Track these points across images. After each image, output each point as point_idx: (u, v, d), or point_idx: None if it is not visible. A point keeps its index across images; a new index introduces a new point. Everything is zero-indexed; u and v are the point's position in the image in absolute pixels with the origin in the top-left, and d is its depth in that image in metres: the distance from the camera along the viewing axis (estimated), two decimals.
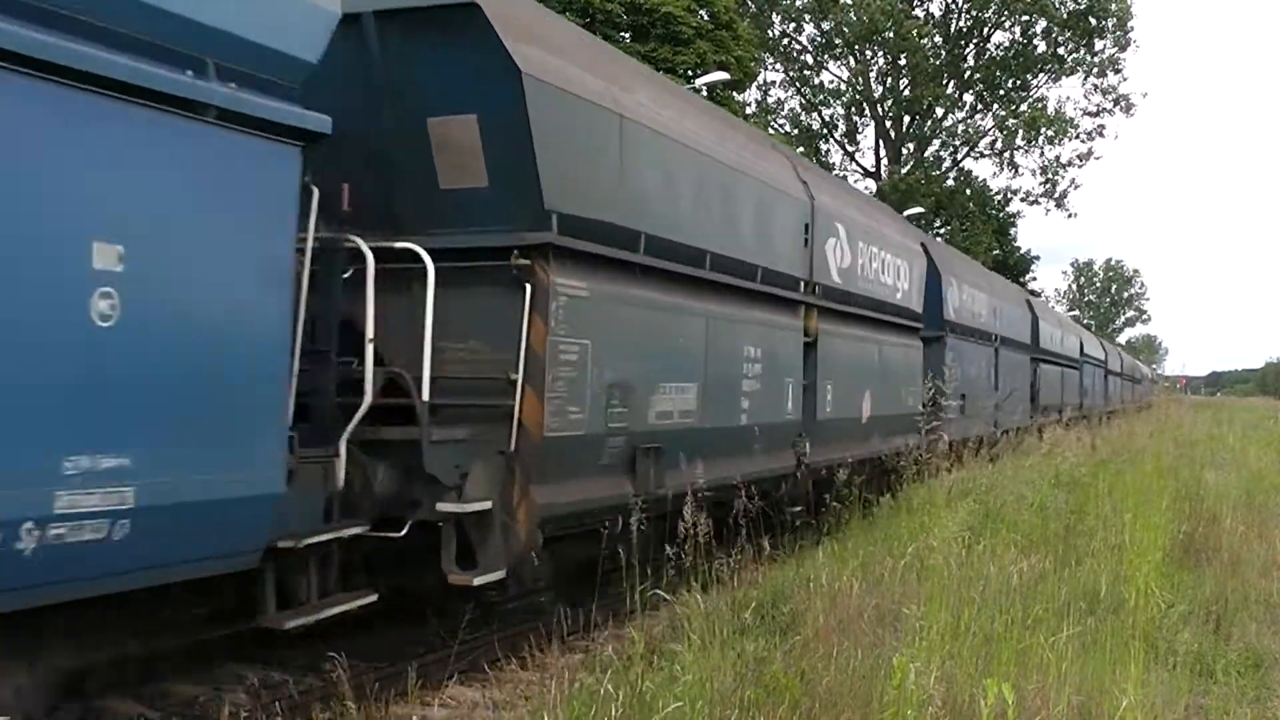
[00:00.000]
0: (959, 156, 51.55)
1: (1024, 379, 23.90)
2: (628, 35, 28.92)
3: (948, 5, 49.39)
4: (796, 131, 51.19)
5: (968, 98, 50.69)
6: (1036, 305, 27.86)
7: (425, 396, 6.10)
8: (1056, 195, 51.50)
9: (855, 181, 49.13)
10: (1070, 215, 69.60)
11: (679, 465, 7.79)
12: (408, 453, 6.14)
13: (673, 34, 28.59)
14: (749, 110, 43.86)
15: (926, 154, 51.14)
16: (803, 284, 10.72)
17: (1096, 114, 51.23)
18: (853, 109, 51.74)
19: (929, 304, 15.71)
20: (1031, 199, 52.50)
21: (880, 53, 49.44)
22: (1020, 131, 49.42)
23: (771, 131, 43.04)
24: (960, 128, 51.20)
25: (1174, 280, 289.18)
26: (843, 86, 51.04)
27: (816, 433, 10.83)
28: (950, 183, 50.56)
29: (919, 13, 48.66)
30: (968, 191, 50.80)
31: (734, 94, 33.40)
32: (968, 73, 49.90)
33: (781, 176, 10.59)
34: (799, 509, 8.93)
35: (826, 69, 51.20)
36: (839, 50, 49.88)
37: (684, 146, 8.40)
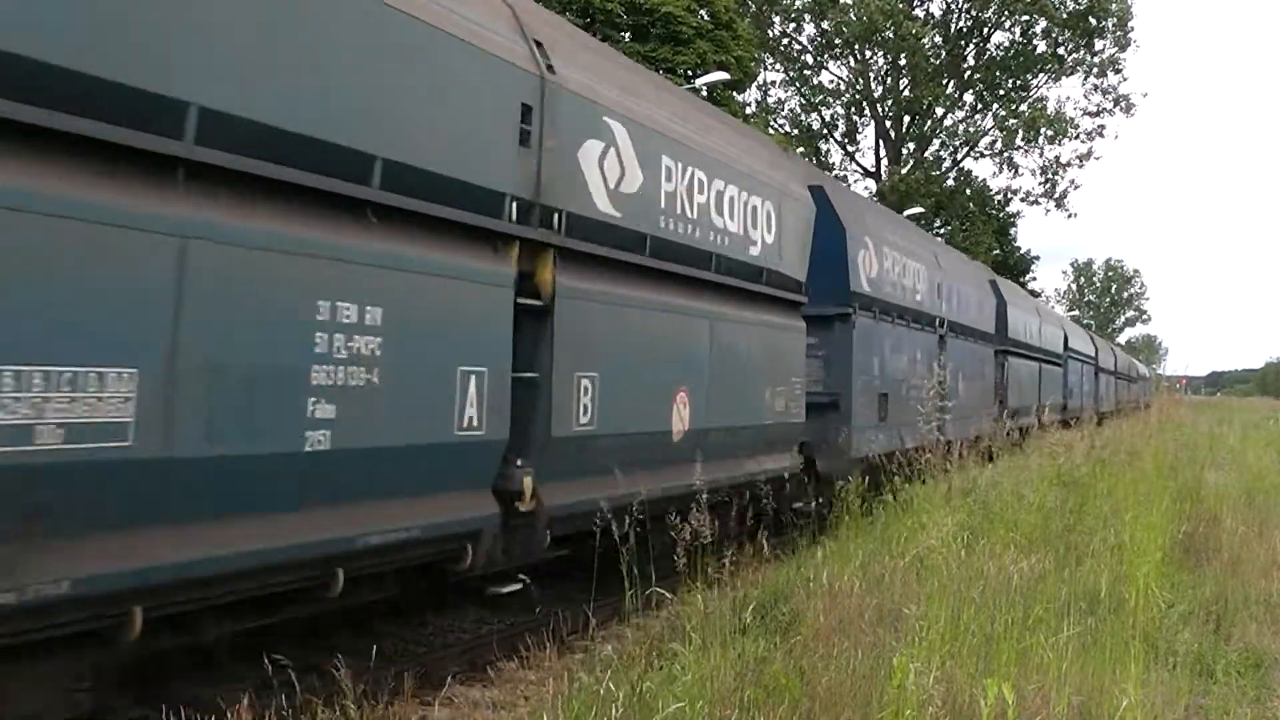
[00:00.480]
0: (959, 156, 51.63)
1: (986, 376, 20.11)
2: (628, 35, 28.92)
3: (948, 5, 49.46)
4: (796, 131, 51.20)
5: (968, 98, 50.73)
6: (1005, 287, 23.51)
7: None
8: (1056, 195, 51.57)
9: (854, 182, 49.22)
10: (1070, 215, 69.70)
11: (65, 543, 3.94)
12: None
13: (673, 34, 28.60)
14: (749, 110, 43.86)
15: (926, 154, 51.15)
16: (515, 206, 6.35)
17: (1096, 114, 51.43)
18: (852, 109, 51.77)
19: (828, 270, 11.75)
20: (1031, 199, 52.59)
21: (880, 53, 49.46)
22: (1020, 131, 49.44)
23: (771, 131, 43.05)
24: (960, 128, 51.26)
25: (1174, 280, 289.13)
26: (842, 86, 51.08)
27: (557, 459, 6.71)
28: (950, 183, 50.58)
29: (919, 12, 48.68)
30: (968, 191, 50.82)
31: (734, 94, 33.41)
32: (968, 73, 49.89)
33: (462, 15, 6.02)
34: (510, 588, 5.89)
35: (826, 69, 51.27)
36: (838, 50, 49.89)
37: None
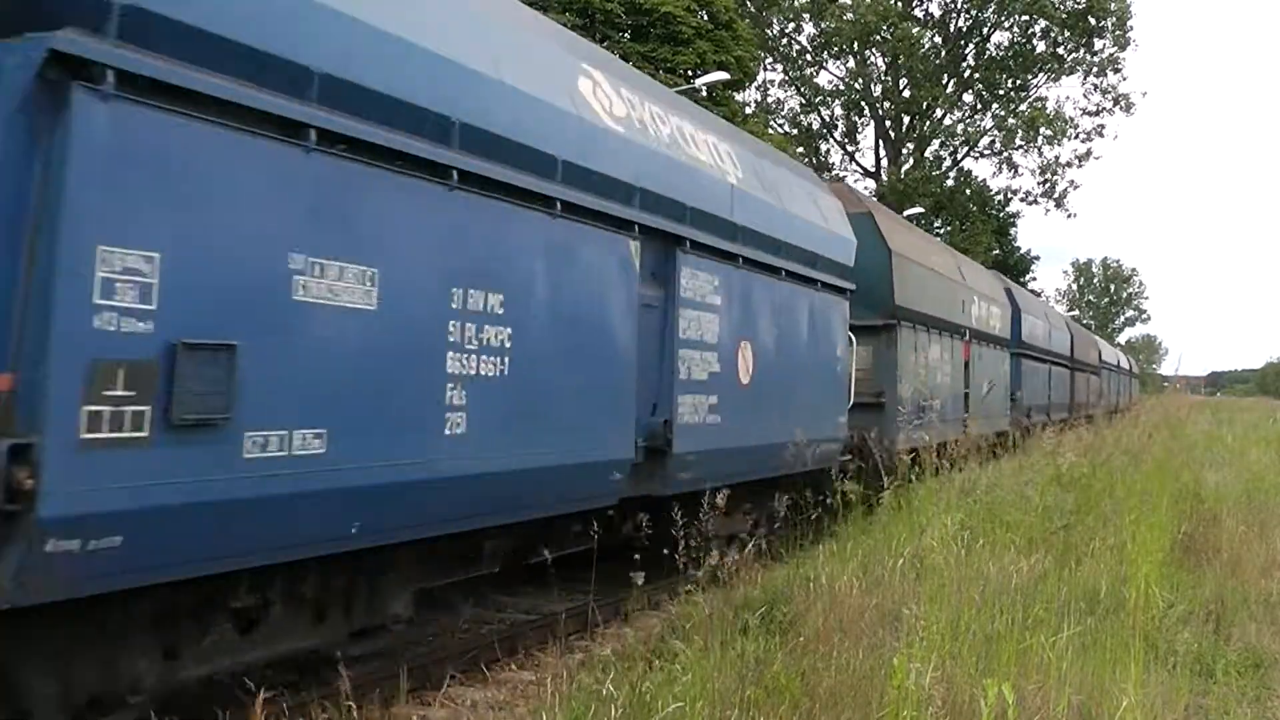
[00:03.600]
0: (959, 156, 51.63)
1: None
2: (627, 35, 28.91)
3: (946, 5, 49.45)
4: (796, 131, 51.19)
5: (967, 98, 50.72)
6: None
7: None
8: (1056, 195, 51.56)
9: (855, 182, 49.18)
10: (1070, 215, 69.76)
11: None
12: None
13: (672, 34, 28.59)
14: (749, 110, 43.85)
15: (926, 154, 51.14)
16: None
17: (1096, 113, 51.32)
18: (851, 109, 51.75)
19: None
20: (1031, 199, 52.58)
21: (878, 53, 49.48)
22: (1020, 131, 49.43)
23: (771, 131, 43.07)
24: (960, 128, 51.24)
25: (1174, 280, 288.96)
26: (841, 87, 51.06)
27: None
28: (950, 183, 50.57)
29: (918, 13, 48.71)
30: (968, 191, 50.81)
31: (734, 94, 33.39)
32: (967, 72, 49.90)
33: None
34: None
35: (825, 69, 51.27)
36: (837, 50, 49.88)
37: None
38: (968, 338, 18.49)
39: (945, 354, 16.95)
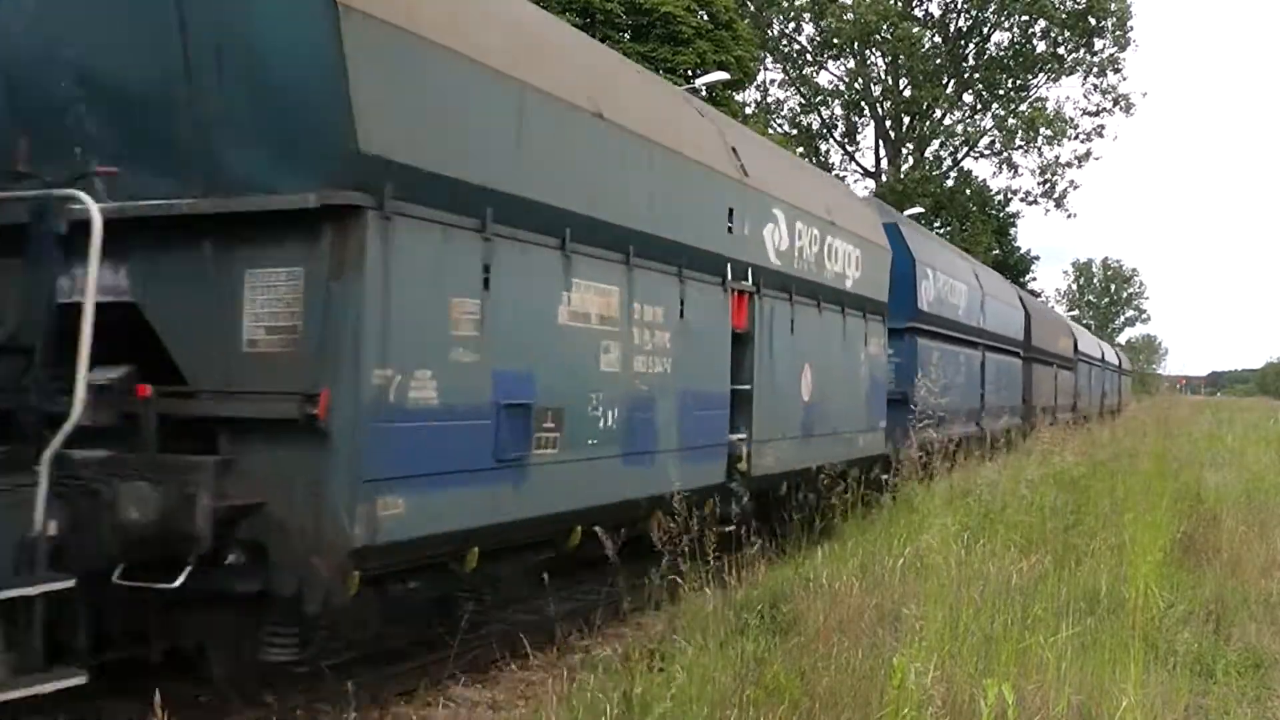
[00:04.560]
0: (959, 156, 51.62)
1: None
2: (627, 35, 28.92)
3: (946, 5, 49.46)
4: (796, 131, 51.19)
5: (967, 98, 50.71)
6: None
7: None
8: (1056, 196, 51.57)
9: (854, 182, 49.20)
10: (1070, 215, 69.69)
11: None
12: None
13: (673, 34, 28.59)
14: (749, 110, 43.86)
15: (926, 154, 51.14)
16: None
17: (1096, 114, 51.29)
18: (851, 110, 51.75)
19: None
20: (1031, 199, 52.57)
21: (879, 53, 49.51)
22: (1020, 132, 49.44)
23: (771, 131, 43.08)
24: (960, 128, 51.24)
25: (1174, 280, 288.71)
26: (841, 87, 51.08)
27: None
28: (950, 183, 50.56)
29: (918, 12, 48.72)
30: (968, 191, 50.80)
31: (734, 94, 33.39)
32: (967, 73, 49.91)
33: None
34: None
35: (825, 69, 51.28)
36: (836, 50, 49.89)
37: None
38: (753, 287, 9.62)
39: (656, 313, 7.94)
